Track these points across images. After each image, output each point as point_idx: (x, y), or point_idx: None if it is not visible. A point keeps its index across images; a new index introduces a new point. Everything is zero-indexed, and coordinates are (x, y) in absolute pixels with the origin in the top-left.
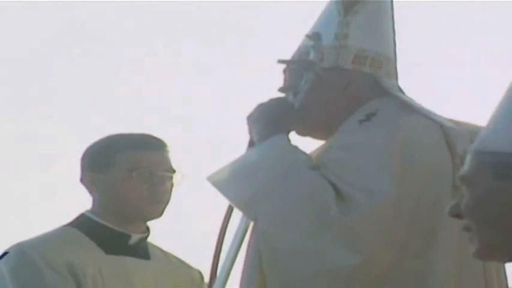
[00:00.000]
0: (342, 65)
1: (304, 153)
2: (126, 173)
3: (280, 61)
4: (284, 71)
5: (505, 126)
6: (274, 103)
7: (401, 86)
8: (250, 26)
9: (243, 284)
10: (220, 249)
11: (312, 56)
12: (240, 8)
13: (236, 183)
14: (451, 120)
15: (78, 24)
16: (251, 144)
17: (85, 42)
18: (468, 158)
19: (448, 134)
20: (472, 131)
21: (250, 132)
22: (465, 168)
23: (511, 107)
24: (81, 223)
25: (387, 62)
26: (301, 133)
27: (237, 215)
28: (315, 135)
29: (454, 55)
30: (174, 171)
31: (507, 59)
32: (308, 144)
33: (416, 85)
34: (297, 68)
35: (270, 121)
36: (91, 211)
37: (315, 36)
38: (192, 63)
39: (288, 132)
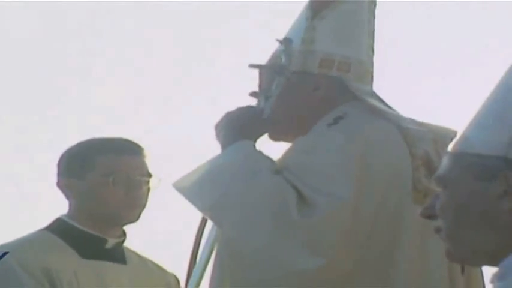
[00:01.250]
0: (308, 70)
1: (268, 158)
2: (103, 177)
3: (252, 65)
4: (259, 76)
5: (488, 128)
6: (241, 111)
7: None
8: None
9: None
10: (196, 255)
11: (283, 60)
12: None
13: (200, 189)
14: (414, 122)
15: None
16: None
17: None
18: (446, 159)
19: (407, 135)
20: (434, 131)
21: (217, 139)
22: (443, 169)
23: (493, 110)
24: (57, 227)
25: (357, 66)
26: (273, 138)
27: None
28: (287, 139)
29: (435, 60)
30: (150, 175)
31: (488, 63)
32: (280, 148)
33: (395, 89)
34: (268, 72)
35: (235, 128)
36: (67, 215)
37: (285, 41)
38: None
39: (255, 140)
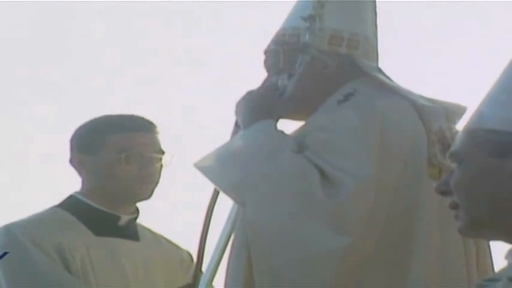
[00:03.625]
0: (318, 47)
1: (289, 137)
2: (116, 154)
3: (276, 43)
4: (265, 53)
5: (502, 104)
6: (263, 90)
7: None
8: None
9: (229, 274)
10: (207, 231)
11: (307, 38)
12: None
13: (222, 169)
14: (426, 98)
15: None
16: (236, 128)
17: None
18: (461, 135)
19: (422, 112)
20: (447, 108)
21: (238, 118)
22: (457, 145)
23: (508, 86)
24: (70, 204)
25: (365, 43)
26: (288, 117)
27: (223, 196)
28: (296, 117)
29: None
30: (163, 152)
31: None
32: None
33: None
34: (290, 50)
35: (257, 108)
36: (80, 192)
37: (310, 19)
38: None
39: (276, 119)
